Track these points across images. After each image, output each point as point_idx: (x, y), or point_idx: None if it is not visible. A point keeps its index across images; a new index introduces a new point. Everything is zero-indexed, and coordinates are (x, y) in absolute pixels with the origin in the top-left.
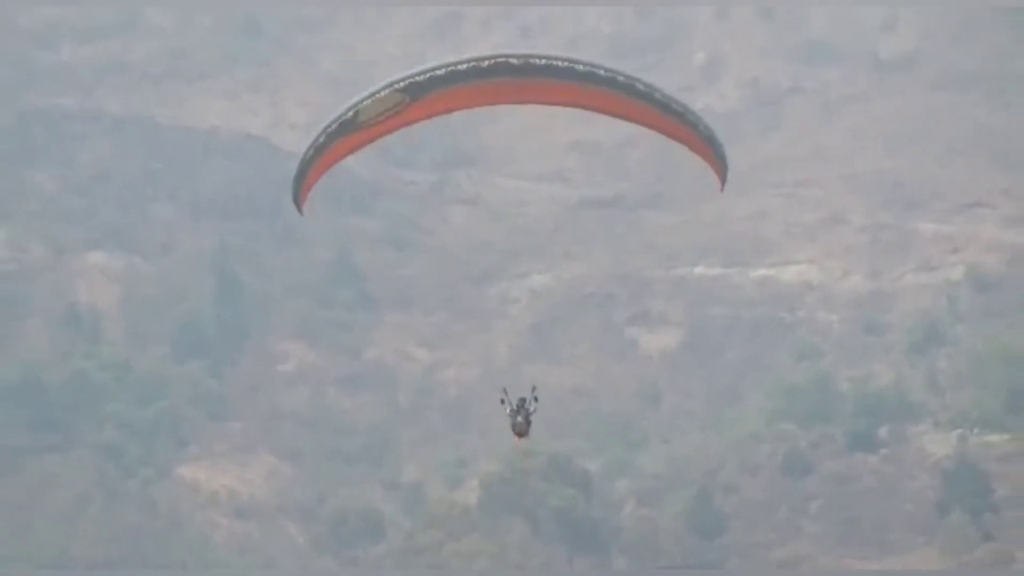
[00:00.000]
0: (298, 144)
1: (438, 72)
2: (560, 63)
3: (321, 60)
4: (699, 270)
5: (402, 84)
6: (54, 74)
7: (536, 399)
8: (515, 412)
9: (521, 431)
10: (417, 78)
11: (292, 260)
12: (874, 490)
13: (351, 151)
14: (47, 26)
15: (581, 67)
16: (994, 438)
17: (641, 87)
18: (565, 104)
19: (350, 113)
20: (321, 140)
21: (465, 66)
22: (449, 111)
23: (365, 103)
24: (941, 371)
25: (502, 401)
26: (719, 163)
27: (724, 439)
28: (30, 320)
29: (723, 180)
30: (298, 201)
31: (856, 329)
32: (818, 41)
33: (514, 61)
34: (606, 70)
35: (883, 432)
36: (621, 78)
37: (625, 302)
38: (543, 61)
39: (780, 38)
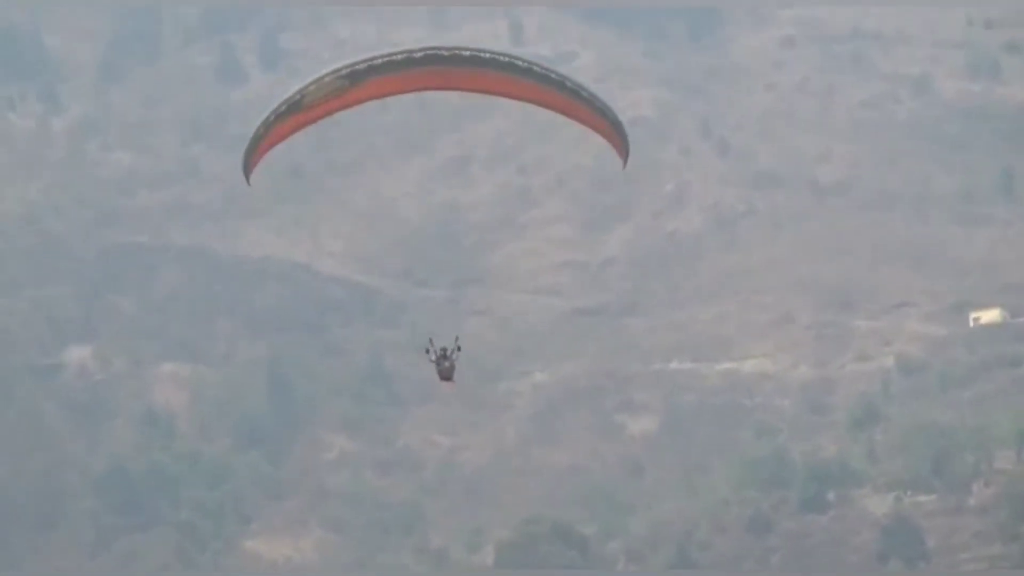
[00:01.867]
0: (336, 269)
1: (376, 61)
2: (484, 54)
3: (353, 199)
4: (673, 365)
5: (344, 71)
6: (131, 215)
7: (459, 348)
8: (440, 359)
9: (447, 375)
10: (358, 66)
11: (333, 366)
12: (824, 544)
13: (297, 129)
14: (124, 175)
15: (503, 58)
16: (923, 498)
17: (555, 76)
18: (486, 91)
19: (297, 96)
20: (271, 119)
21: (400, 56)
22: (383, 96)
23: (310, 88)
24: (878, 443)
25: (427, 351)
26: (622, 143)
27: (698, 504)
28: (115, 420)
29: (625, 159)
30: (247, 171)
31: (805, 410)
32: (766, 171)
33: (444, 52)
34: (524, 61)
35: (831, 495)
36: (538, 68)
37: (612, 393)
38: (468, 53)
39: (735, 169)
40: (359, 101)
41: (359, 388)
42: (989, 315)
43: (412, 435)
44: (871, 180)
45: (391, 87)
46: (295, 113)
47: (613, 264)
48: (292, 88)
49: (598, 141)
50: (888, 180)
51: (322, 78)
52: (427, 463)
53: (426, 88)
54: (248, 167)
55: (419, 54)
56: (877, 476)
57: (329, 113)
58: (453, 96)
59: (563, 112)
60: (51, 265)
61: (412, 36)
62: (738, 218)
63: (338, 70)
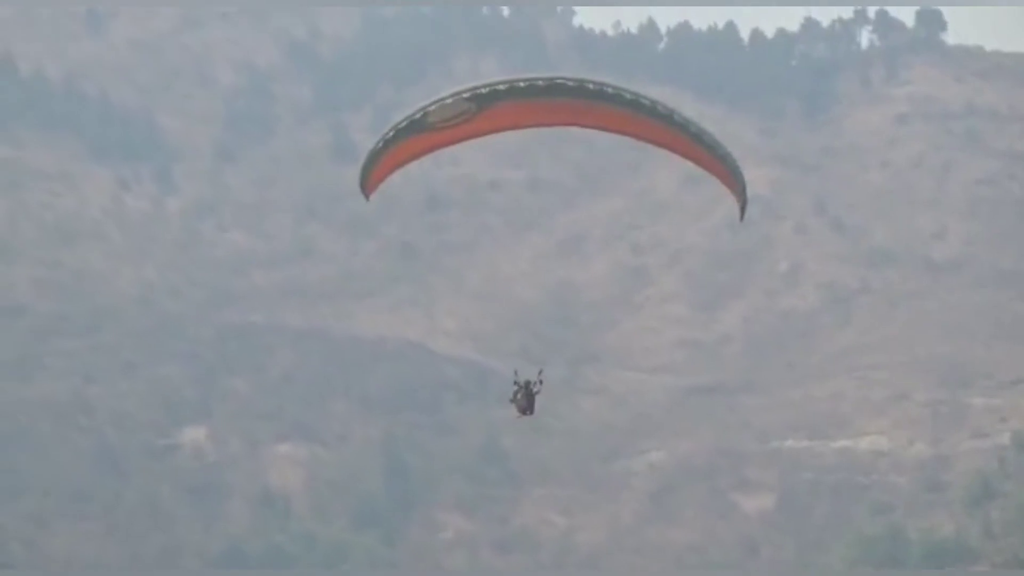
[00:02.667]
0: (450, 348)
1: (499, 87)
2: (609, 89)
3: (467, 277)
4: (788, 443)
5: (467, 94)
6: (246, 296)
7: (541, 382)
8: (518, 391)
9: (522, 408)
10: (481, 90)
11: (449, 445)
12: None
13: (418, 153)
14: (239, 256)
15: (628, 95)
16: None
17: (678, 117)
18: (605, 128)
19: (419, 114)
20: (390, 135)
21: (524, 84)
22: (511, 127)
23: (433, 107)
24: (994, 521)
25: (514, 382)
26: (740, 194)
27: None
28: (232, 501)
29: (742, 206)
30: (365, 190)
31: (921, 488)
32: (881, 248)
33: (570, 83)
34: (648, 99)
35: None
36: (661, 108)
37: (727, 472)
38: (593, 86)
39: (850, 247)
40: (484, 131)
41: (475, 468)
42: None
43: (528, 515)
44: (986, 257)
45: (515, 116)
46: (417, 133)
47: (728, 342)
48: (414, 107)
49: (715, 219)
50: (1002, 257)
51: (445, 99)
52: (544, 543)
53: (550, 122)
54: (366, 186)
55: (543, 83)
56: (994, 554)
57: (454, 141)
58: (566, 175)
59: (682, 154)
60: (166, 346)
61: None
62: (852, 295)
63: (460, 92)
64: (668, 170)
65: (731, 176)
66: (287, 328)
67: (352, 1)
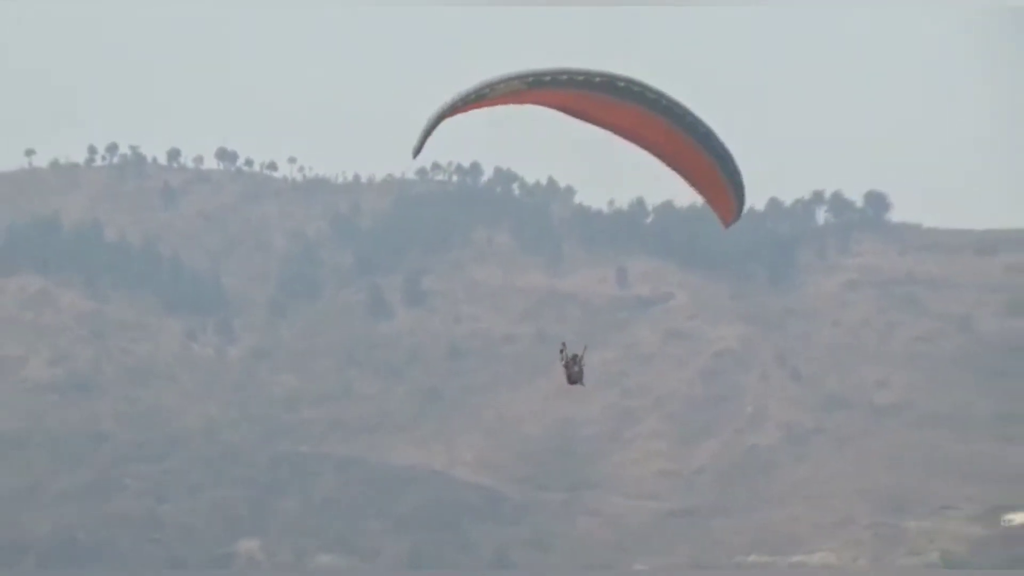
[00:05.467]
0: (468, 476)
1: (544, 77)
2: (635, 88)
3: (483, 416)
4: (752, 558)
5: (529, 79)
6: (295, 429)
7: (582, 356)
8: (570, 363)
9: (575, 379)
10: (528, 77)
11: (466, 558)
12: None
13: (472, 107)
14: (289, 396)
15: (651, 94)
16: None
17: (703, 129)
18: (633, 131)
19: (486, 90)
20: (456, 102)
21: (565, 77)
22: (546, 105)
23: (499, 85)
24: None
25: (560, 352)
26: (737, 202)
27: None
28: None
29: (730, 218)
30: (419, 145)
31: None
32: (833, 394)
33: (596, 79)
34: (680, 108)
35: None
36: (690, 118)
37: None
38: (623, 83)
39: (806, 393)
40: (526, 102)
41: None
42: (1020, 518)
43: None
44: (922, 403)
45: (550, 98)
46: (476, 102)
47: (702, 473)
48: (476, 83)
49: (692, 368)
50: (937, 404)
51: (510, 79)
52: None
53: (572, 110)
54: (421, 143)
55: (564, 77)
56: None
57: (502, 103)
58: (567, 330)
59: (689, 160)
60: (227, 471)
61: (532, 281)
62: (808, 435)
63: (523, 76)
64: (652, 328)
65: (735, 189)
66: (330, 457)
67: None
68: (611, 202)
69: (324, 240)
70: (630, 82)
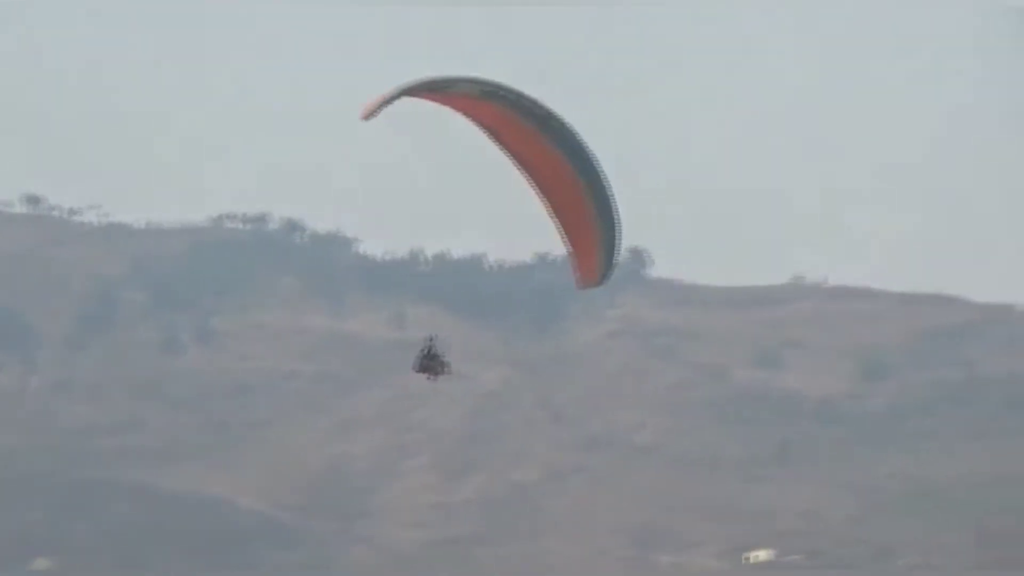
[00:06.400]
0: (251, 504)
1: (488, 87)
2: (551, 123)
3: (266, 448)
4: None
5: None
6: (90, 456)
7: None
8: (426, 357)
9: (435, 371)
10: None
11: None
12: None
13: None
14: (86, 423)
15: (556, 124)
16: None
17: (604, 189)
18: (521, 155)
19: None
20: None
21: (493, 88)
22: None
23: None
24: None
25: (427, 349)
26: (604, 264)
27: None
28: None
29: (587, 282)
30: (373, 111)
31: None
32: (592, 435)
33: (511, 97)
34: (576, 144)
35: None
36: (585, 156)
37: None
38: (541, 112)
39: (568, 433)
40: (465, 110)
41: None
42: (761, 555)
43: None
44: (675, 446)
45: (489, 116)
46: (433, 91)
47: (468, 505)
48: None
49: (462, 408)
50: (688, 447)
51: (472, 81)
52: None
53: (499, 133)
54: (378, 103)
55: (490, 89)
56: None
57: (454, 104)
58: (347, 370)
59: (576, 210)
60: (24, 496)
61: (315, 323)
62: (568, 473)
63: (482, 83)
64: None
65: (611, 251)
66: (122, 484)
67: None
68: (390, 251)
69: (122, 281)
70: (560, 121)
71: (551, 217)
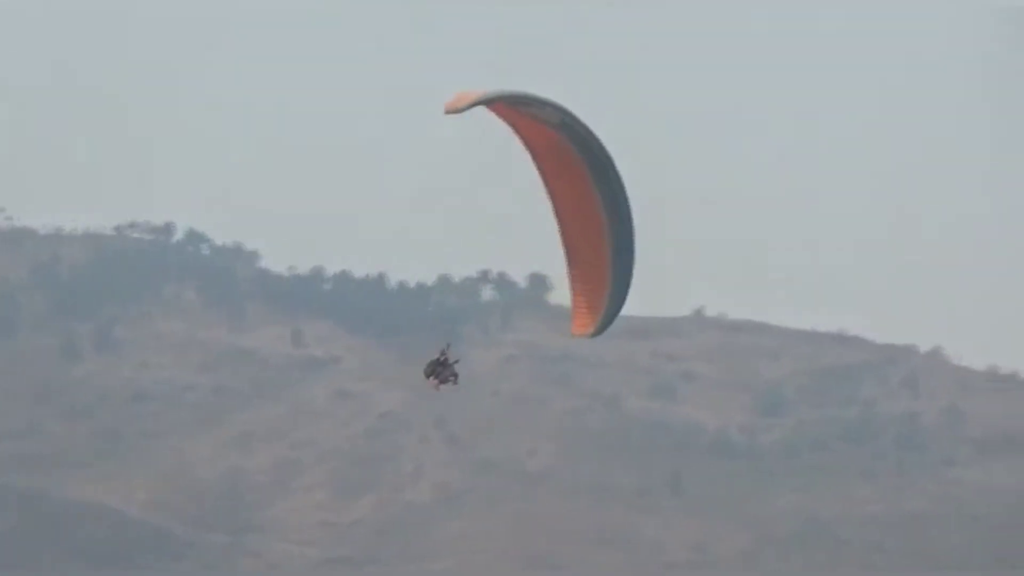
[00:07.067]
0: (142, 514)
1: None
2: (595, 157)
3: (159, 459)
4: None
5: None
6: None
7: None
8: (440, 364)
9: (446, 378)
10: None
11: None
12: None
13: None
14: None
15: (599, 158)
16: None
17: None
18: (575, 202)
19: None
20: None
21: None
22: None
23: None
24: None
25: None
26: (602, 318)
27: None
28: None
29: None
30: (459, 109)
31: None
32: (486, 459)
33: (580, 131)
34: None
35: None
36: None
37: None
38: (595, 152)
39: (462, 456)
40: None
41: None
42: None
43: None
44: (568, 473)
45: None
46: (516, 105)
47: (360, 524)
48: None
49: (357, 427)
50: (581, 474)
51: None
52: None
53: (538, 150)
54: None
55: (569, 120)
56: None
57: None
58: (244, 384)
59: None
60: None
61: (214, 336)
62: (461, 495)
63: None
64: (322, 387)
65: (614, 301)
66: (14, 490)
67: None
68: (292, 267)
69: (23, 286)
70: (614, 168)
71: (564, 254)
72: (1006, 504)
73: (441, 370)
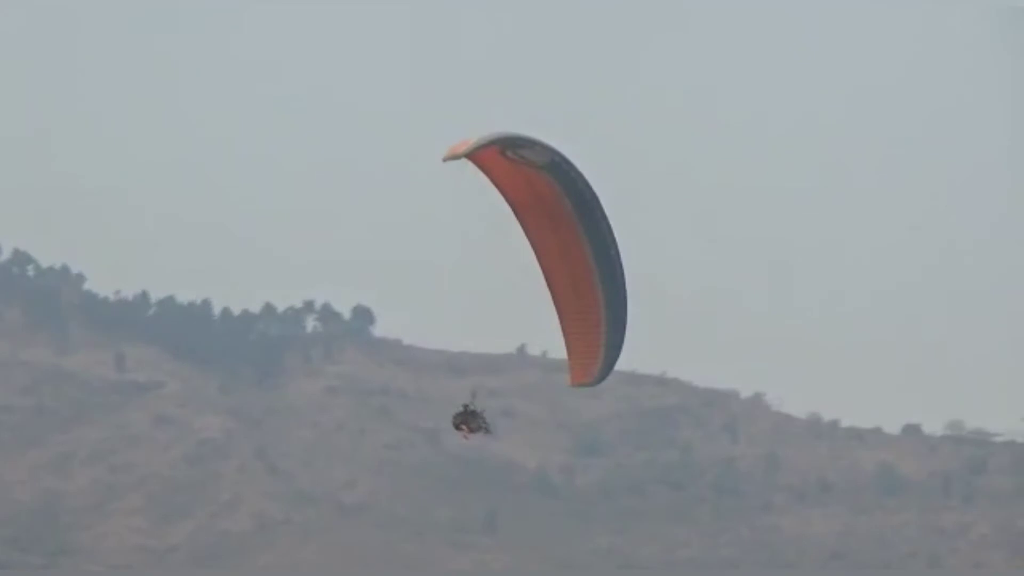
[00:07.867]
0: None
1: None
2: (583, 208)
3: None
4: None
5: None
6: None
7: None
8: (468, 415)
9: (478, 428)
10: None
11: None
12: None
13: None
14: None
15: (590, 217)
16: None
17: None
18: (562, 256)
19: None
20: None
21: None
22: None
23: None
24: None
25: (467, 407)
26: (607, 368)
27: None
28: None
29: (581, 382)
30: (459, 155)
31: None
32: (303, 490)
33: (565, 172)
34: (610, 261)
35: None
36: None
37: None
38: (578, 198)
39: (280, 486)
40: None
41: None
42: None
43: None
44: (386, 506)
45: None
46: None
47: (175, 551)
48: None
49: (176, 453)
50: (399, 507)
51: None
52: None
53: (518, 195)
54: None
55: (558, 159)
56: None
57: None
58: (63, 406)
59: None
60: None
61: (36, 357)
62: (278, 525)
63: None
64: (142, 412)
65: (608, 357)
66: None
67: None
68: (117, 291)
69: None
70: (601, 210)
71: (554, 305)
72: (821, 552)
73: (471, 419)
